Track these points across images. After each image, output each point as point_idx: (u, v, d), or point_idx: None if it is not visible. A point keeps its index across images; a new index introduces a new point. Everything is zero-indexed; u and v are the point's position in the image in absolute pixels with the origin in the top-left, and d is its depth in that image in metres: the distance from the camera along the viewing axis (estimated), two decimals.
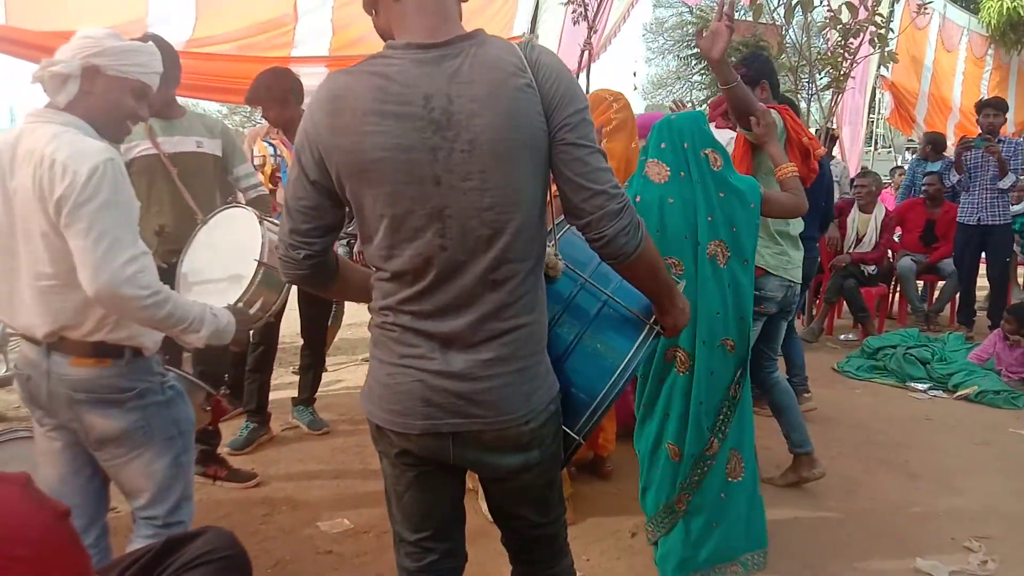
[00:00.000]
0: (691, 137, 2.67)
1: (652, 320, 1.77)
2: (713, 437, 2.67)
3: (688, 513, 2.68)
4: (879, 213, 6.47)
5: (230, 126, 3.86)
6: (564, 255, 1.79)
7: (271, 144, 3.88)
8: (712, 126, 3.63)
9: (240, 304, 2.38)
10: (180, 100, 3.32)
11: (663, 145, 2.70)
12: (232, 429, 3.89)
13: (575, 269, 1.79)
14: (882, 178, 7.81)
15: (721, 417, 2.69)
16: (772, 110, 3.21)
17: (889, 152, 15.96)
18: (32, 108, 1.89)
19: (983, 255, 6.62)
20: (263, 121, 4.08)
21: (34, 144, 1.76)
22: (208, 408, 2.37)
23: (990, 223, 6.34)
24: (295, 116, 3.80)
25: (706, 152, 2.67)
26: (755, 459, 2.80)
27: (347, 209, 1.54)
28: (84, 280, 1.72)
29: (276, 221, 2.65)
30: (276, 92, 3.67)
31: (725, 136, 4.33)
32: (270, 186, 3.86)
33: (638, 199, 2.67)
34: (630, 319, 1.78)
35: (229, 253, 2.62)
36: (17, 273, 1.85)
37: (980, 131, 6.36)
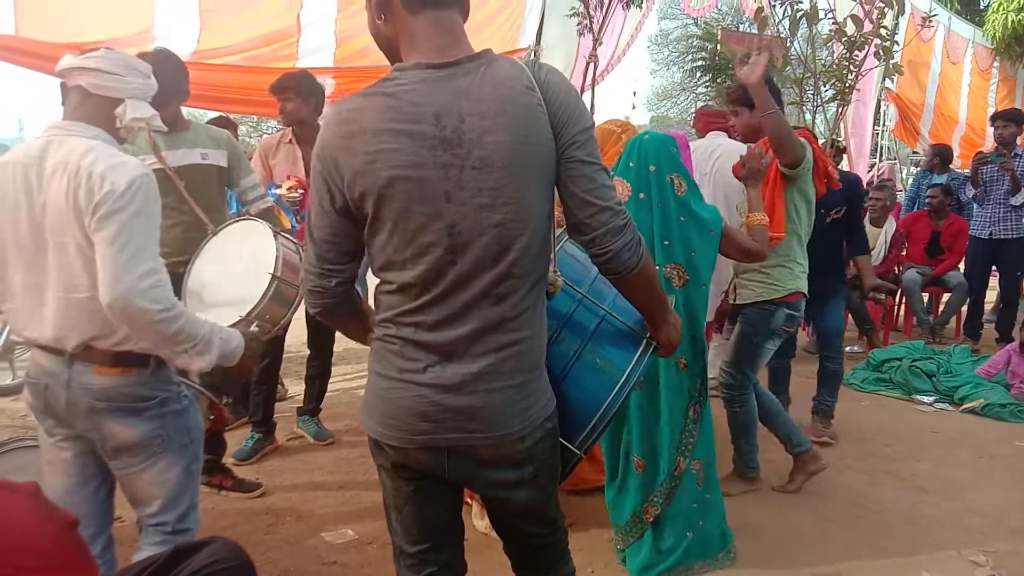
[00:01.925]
0: (657, 161, 2.71)
1: (648, 335, 1.80)
2: (679, 456, 2.75)
3: (659, 523, 2.78)
4: (889, 228, 6.47)
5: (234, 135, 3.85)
6: (560, 272, 1.80)
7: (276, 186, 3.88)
8: (694, 135, 3.63)
9: (250, 316, 2.39)
10: (184, 110, 3.34)
11: (631, 164, 2.74)
12: (237, 439, 3.90)
13: (573, 285, 1.82)
14: (894, 191, 7.80)
15: (685, 436, 2.77)
16: (803, 139, 3.26)
17: (894, 164, 15.93)
18: (50, 119, 1.91)
19: (993, 268, 6.61)
20: (269, 132, 4.11)
21: (66, 157, 1.79)
22: (211, 416, 2.37)
23: (1002, 237, 6.34)
24: (309, 119, 3.85)
25: (671, 177, 2.71)
26: (714, 467, 2.91)
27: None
28: (102, 287, 1.74)
29: (290, 236, 2.66)
30: (304, 85, 3.83)
31: (717, 140, 4.36)
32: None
33: None
34: (628, 334, 1.81)
35: (240, 266, 2.62)
36: (43, 287, 1.86)
37: (996, 144, 6.36)
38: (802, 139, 3.27)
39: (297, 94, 3.80)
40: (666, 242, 2.69)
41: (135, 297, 1.73)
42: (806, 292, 3.37)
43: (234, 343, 1.96)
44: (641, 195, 2.71)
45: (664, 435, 2.74)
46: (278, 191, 3.78)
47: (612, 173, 2.78)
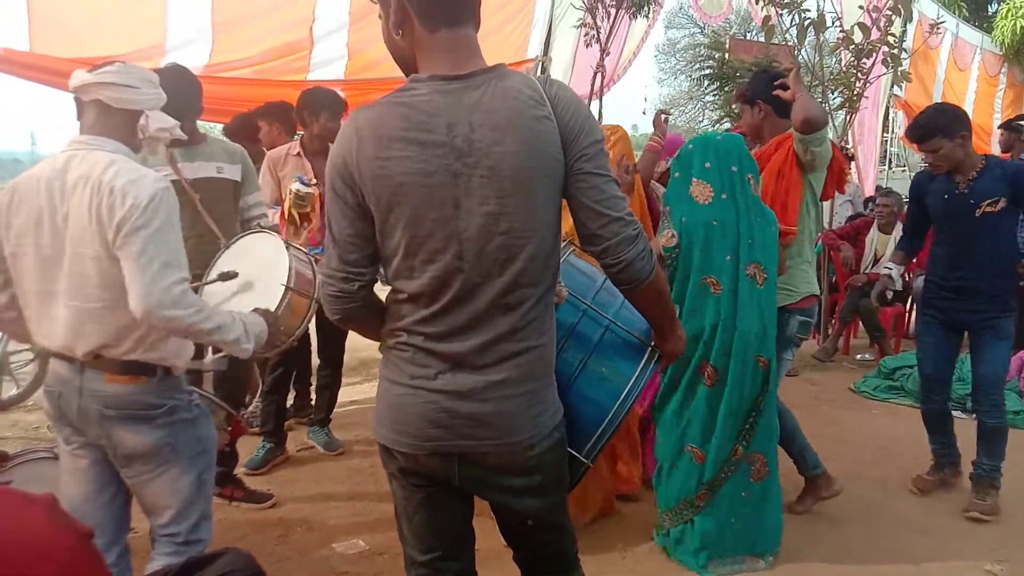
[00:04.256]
0: (738, 161, 2.76)
1: (653, 344, 1.82)
2: (738, 444, 2.81)
3: (708, 508, 2.83)
4: (898, 234, 6.43)
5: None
6: (564, 283, 1.82)
7: (306, 184, 3.86)
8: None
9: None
10: (198, 124, 3.37)
11: (708, 165, 2.76)
12: (248, 450, 3.91)
13: (578, 296, 1.84)
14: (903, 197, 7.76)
15: (747, 426, 2.82)
16: None
17: (904, 171, 15.86)
18: (63, 134, 1.97)
19: None
20: (277, 145, 4.14)
21: (89, 171, 1.83)
22: (228, 428, 2.39)
23: None
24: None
25: (749, 177, 2.77)
26: (776, 463, 2.93)
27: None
28: (133, 301, 1.79)
29: (300, 248, 2.68)
30: (341, 107, 3.93)
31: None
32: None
33: (684, 220, 2.75)
34: (632, 343, 1.84)
35: (252, 278, 2.63)
36: (57, 296, 1.89)
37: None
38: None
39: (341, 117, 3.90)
40: (750, 240, 2.74)
41: (167, 307, 1.79)
42: (819, 295, 3.31)
43: (259, 329, 2.06)
44: (723, 195, 2.74)
45: (728, 426, 2.79)
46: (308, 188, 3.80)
47: (675, 172, 2.85)
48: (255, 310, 2.18)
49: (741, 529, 2.86)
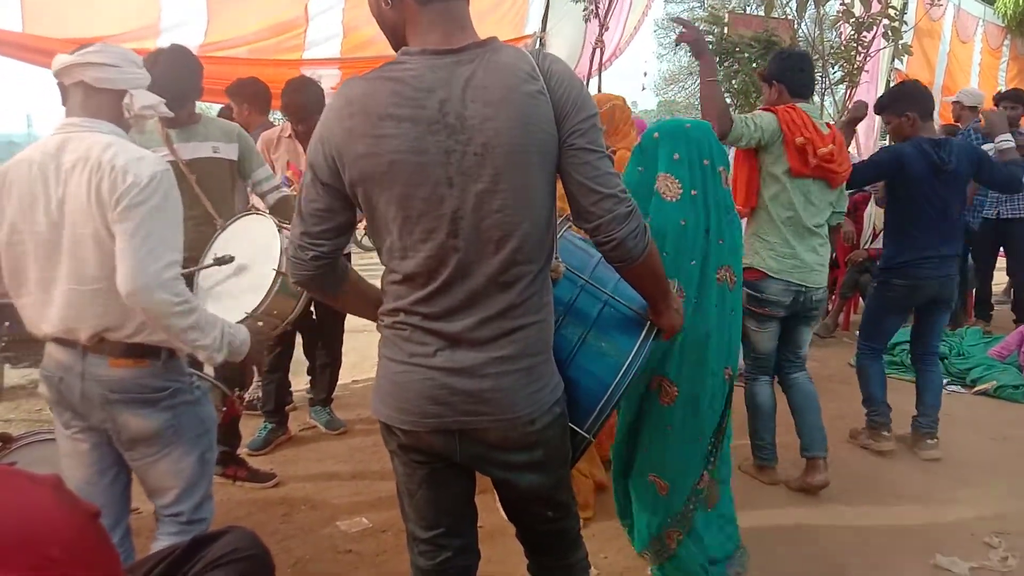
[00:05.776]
0: (710, 153, 2.45)
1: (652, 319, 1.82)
2: (705, 471, 2.54)
3: (683, 545, 2.55)
4: None
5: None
6: (561, 259, 1.82)
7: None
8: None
9: (256, 312, 2.41)
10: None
11: (676, 156, 2.43)
12: (251, 430, 3.92)
13: (576, 271, 1.84)
14: None
15: (711, 449, 2.55)
16: (764, 112, 3.20)
17: None
18: (59, 116, 1.94)
19: (1000, 249, 6.54)
20: (275, 123, 4.11)
21: (87, 152, 1.81)
22: (223, 408, 2.40)
23: (1009, 216, 6.25)
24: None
25: (721, 169, 2.47)
26: (729, 483, 2.71)
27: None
28: (121, 278, 1.77)
29: None
30: (319, 107, 3.73)
31: None
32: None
33: (649, 219, 2.33)
34: (631, 318, 1.84)
35: (246, 261, 2.63)
36: (56, 280, 1.88)
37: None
38: (764, 111, 3.18)
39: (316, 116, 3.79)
40: (720, 241, 2.44)
41: (155, 288, 1.76)
42: (778, 275, 3.17)
43: (240, 339, 1.98)
44: (693, 191, 2.40)
45: (696, 451, 2.50)
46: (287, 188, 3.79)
47: (636, 163, 2.52)
48: (241, 321, 2.14)
49: (710, 555, 2.57)
